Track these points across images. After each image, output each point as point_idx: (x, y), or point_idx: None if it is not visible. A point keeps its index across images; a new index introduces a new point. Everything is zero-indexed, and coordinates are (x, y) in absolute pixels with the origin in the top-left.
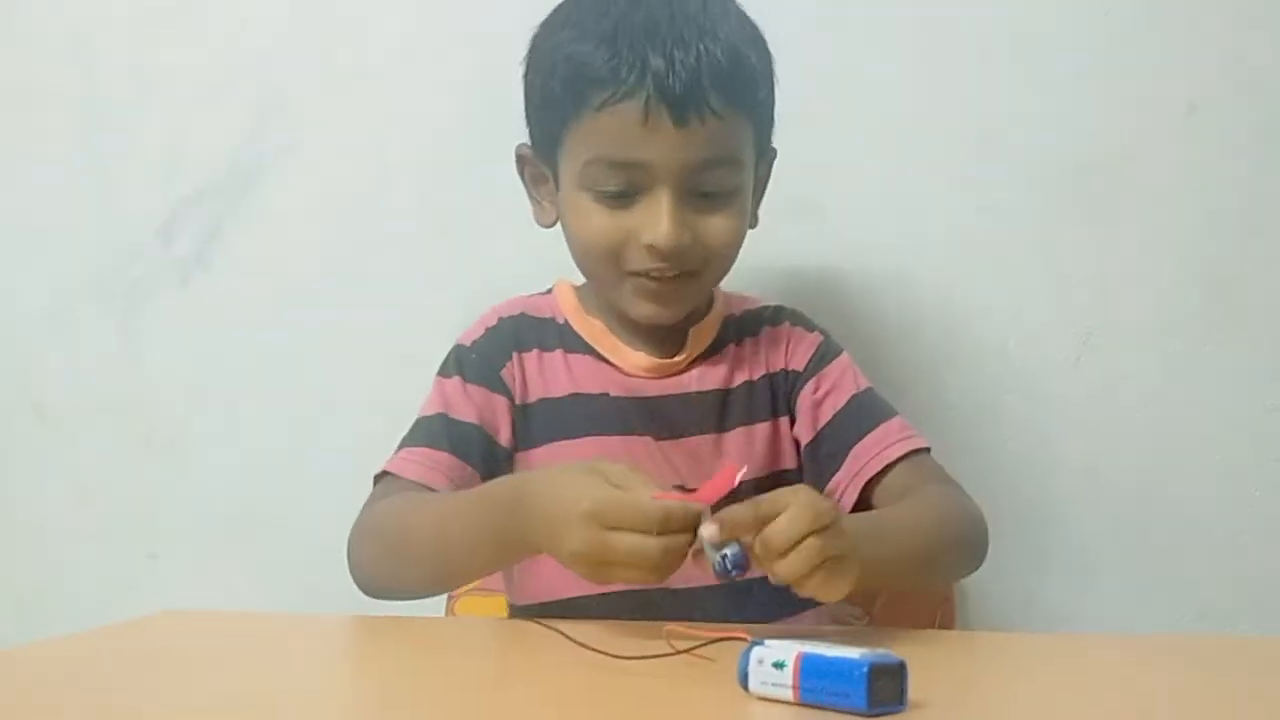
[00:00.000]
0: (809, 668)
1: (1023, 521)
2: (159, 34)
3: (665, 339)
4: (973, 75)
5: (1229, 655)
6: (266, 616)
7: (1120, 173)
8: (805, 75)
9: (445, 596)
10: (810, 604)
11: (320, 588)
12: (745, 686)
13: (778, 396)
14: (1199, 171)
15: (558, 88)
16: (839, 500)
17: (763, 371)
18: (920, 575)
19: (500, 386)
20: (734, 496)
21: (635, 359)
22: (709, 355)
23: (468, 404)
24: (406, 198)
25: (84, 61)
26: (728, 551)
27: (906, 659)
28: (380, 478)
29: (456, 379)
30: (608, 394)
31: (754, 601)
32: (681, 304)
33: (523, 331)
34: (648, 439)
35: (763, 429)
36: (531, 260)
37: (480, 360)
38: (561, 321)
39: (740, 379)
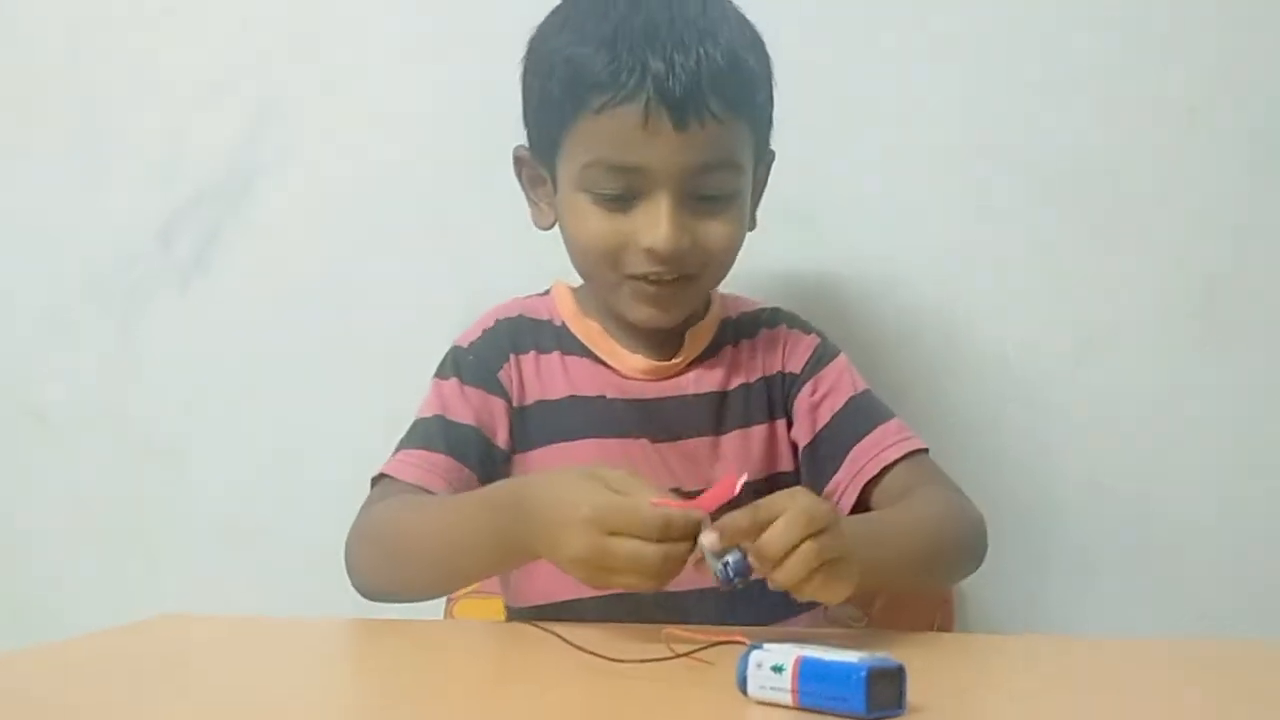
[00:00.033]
0: (807, 671)
1: (1022, 523)
2: (159, 35)
3: (662, 341)
4: (971, 78)
5: (1228, 658)
6: (264, 620)
7: (1119, 177)
8: (803, 78)
9: (443, 600)
10: (809, 606)
11: (318, 591)
12: (744, 690)
13: (775, 399)
14: (1198, 176)
15: (557, 90)
16: (838, 502)
17: (760, 374)
18: (919, 576)
19: (498, 388)
20: (734, 502)
21: (632, 361)
22: (706, 358)
23: (465, 406)
24: (405, 200)
25: (83, 62)
26: (729, 559)
27: (905, 662)
28: (378, 480)
29: (454, 381)
30: (605, 396)
31: (751, 604)
32: (680, 307)
33: (520, 333)
34: (644, 441)
35: (760, 431)
36: (529, 262)
37: (478, 362)
38: (559, 323)
39: (737, 381)
